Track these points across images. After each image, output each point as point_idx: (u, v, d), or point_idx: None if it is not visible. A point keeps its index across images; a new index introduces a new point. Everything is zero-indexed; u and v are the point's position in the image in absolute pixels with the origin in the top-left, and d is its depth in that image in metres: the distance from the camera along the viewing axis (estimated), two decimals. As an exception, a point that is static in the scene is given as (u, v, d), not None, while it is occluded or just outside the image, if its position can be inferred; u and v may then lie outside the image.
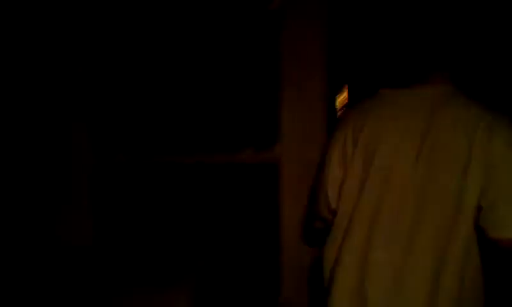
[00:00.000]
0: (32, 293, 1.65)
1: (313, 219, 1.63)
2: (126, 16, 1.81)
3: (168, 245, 1.89)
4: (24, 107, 1.78)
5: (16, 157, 1.79)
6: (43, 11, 1.75)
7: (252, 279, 1.88)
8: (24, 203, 1.79)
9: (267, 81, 1.79)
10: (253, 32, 1.82)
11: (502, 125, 1.31)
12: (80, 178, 1.83)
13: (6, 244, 1.74)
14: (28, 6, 1.75)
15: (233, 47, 1.82)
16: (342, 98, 3.71)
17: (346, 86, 3.42)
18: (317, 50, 1.76)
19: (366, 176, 1.40)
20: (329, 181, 1.50)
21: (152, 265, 1.85)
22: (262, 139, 1.82)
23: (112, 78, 1.83)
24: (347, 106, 3.44)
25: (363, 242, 1.38)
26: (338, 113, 3.66)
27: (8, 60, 1.76)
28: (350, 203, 1.42)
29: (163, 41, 1.83)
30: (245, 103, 1.84)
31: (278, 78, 1.76)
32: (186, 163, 1.84)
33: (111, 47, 1.83)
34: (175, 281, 1.74)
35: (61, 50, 1.78)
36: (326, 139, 1.74)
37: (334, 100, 2.87)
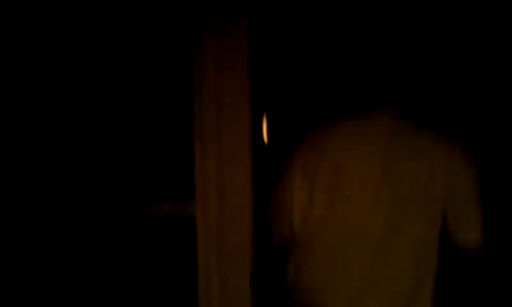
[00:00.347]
0: None
1: (274, 239, 1.67)
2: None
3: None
4: None
5: None
6: None
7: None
8: None
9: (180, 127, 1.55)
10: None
11: (457, 150, 1.43)
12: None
13: None
14: None
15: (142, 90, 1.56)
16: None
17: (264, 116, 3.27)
18: (241, 83, 1.53)
19: (330, 201, 1.46)
20: (293, 206, 1.54)
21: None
22: (179, 191, 1.55)
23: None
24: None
25: (324, 262, 1.48)
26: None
27: None
28: (314, 225, 1.49)
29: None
30: (158, 151, 1.58)
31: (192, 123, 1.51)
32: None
33: None
34: None
35: None
36: (252, 188, 1.56)
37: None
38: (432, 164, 1.39)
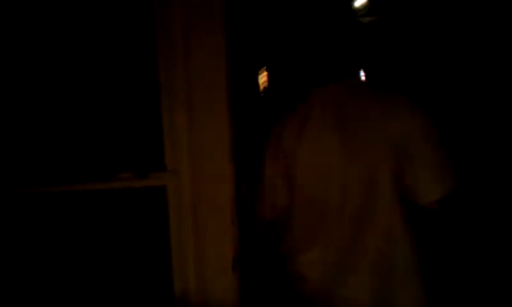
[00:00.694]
0: None
1: (256, 223, 1.68)
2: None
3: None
4: None
5: None
6: None
7: None
8: None
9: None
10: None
11: (407, 103, 1.41)
12: None
13: None
14: None
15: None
16: (262, 80, 3.36)
17: (265, 68, 3.06)
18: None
19: (298, 168, 1.50)
20: (272, 183, 1.58)
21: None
22: (146, 160, 1.37)
23: None
24: (268, 89, 3.14)
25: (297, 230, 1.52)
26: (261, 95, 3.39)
27: None
28: (290, 194, 1.54)
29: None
30: (124, 116, 1.39)
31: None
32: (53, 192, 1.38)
33: None
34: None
35: None
36: (230, 157, 1.38)
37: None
38: (382, 117, 1.40)
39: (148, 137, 1.37)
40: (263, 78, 2.92)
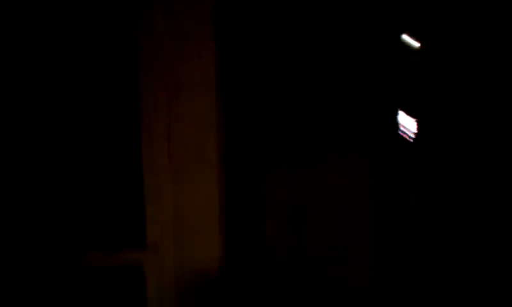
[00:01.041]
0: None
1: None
2: None
3: None
4: None
5: None
6: None
7: None
8: None
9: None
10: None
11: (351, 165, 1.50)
12: None
13: None
14: None
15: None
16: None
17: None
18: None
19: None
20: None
21: None
22: (123, 233, 1.17)
23: None
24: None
25: None
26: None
27: None
28: None
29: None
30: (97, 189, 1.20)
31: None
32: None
33: None
34: None
35: None
36: (220, 231, 1.15)
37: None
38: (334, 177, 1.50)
39: (127, 206, 1.17)
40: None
